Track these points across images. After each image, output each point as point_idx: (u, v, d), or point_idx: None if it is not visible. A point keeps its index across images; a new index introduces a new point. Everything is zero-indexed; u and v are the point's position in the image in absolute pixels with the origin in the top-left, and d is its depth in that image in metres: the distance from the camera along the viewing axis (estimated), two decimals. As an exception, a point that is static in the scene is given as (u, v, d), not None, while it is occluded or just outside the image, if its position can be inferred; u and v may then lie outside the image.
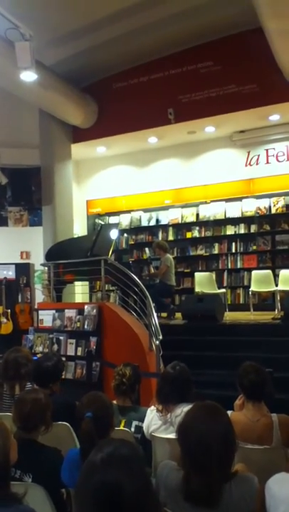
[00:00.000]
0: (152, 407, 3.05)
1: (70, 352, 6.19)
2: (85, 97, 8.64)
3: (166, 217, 9.86)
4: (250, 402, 2.81)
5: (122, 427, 3.09)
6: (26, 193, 9.12)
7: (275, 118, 8.29)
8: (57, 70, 7.80)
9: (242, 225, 9.21)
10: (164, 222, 9.89)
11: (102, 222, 10.05)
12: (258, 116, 8.12)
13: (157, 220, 9.98)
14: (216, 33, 7.70)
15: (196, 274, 8.57)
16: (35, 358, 5.34)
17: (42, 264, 7.90)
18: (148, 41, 7.77)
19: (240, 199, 9.19)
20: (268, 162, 8.98)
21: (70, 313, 6.39)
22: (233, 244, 9.25)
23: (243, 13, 6.50)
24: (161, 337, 5.48)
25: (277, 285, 7.75)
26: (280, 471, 1.84)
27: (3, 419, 2.04)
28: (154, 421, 2.97)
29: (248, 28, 7.30)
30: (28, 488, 1.80)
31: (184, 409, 2.81)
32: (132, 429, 3.12)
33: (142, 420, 3.10)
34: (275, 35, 6.12)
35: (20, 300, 8.57)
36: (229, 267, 9.24)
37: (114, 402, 3.16)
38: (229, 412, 2.67)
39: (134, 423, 3.15)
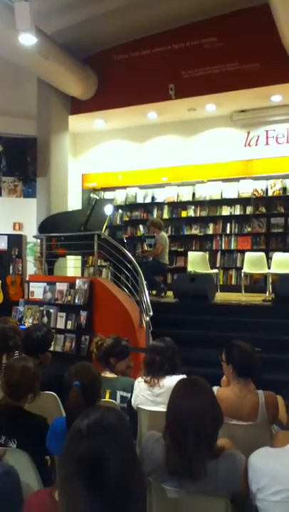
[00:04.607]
0: (140, 379, 3.06)
1: (60, 325, 6.21)
2: (85, 68, 8.44)
3: (162, 195, 9.78)
4: (237, 379, 2.82)
5: (107, 398, 3.10)
6: (21, 163, 8.99)
7: (277, 99, 8.15)
8: (57, 39, 7.60)
9: (238, 206, 9.16)
10: (159, 199, 9.81)
11: (97, 197, 9.96)
12: (259, 96, 7.99)
13: (153, 198, 9.90)
14: (221, 9, 7.49)
15: (190, 253, 8.57)
16: (23, 326, 5.35)
17: (35, 236, 7.84)
18: (151, 14, 7.56)
19: (237, 180, 9.11)
20: (267, 143, 8.88)
21: (61, 286, 6.37)
22: (228, 225, 9.21)
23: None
24: (151, 313, 5.50)
25: (269, 268, 7.77)
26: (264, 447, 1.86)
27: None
28: (141, 392, 2.98)
29: (254, 5, 7.12)
30: (12, 453, 1.79)
31: (170, 381, 2.82)
32: (118, 400, 3.14)
33: (126, 390, 3.13)
34: (281, 12, 5.98)
35: (11, 271, 8.55)
36: (223, 247, 9.22)
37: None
38: (216, 388, 2.69)
39: (119, 393, 3.17)
